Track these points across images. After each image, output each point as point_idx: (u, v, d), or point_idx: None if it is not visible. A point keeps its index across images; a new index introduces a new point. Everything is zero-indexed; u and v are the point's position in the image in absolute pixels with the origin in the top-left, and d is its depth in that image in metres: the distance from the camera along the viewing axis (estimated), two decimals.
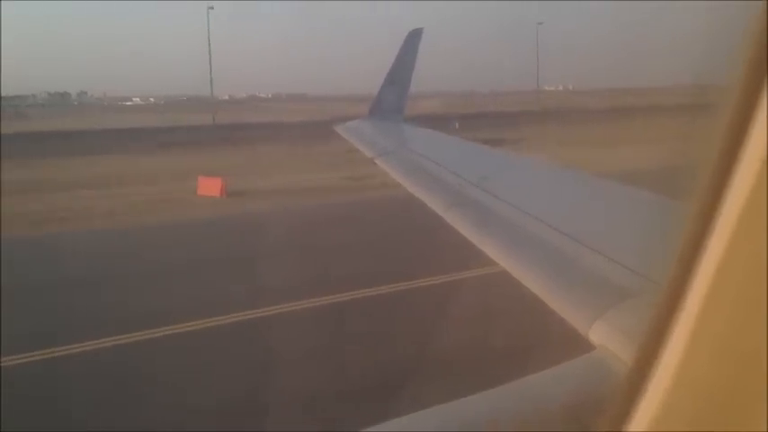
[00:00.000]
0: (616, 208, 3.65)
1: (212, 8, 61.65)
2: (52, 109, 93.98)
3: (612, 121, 44.37)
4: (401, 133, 8.23)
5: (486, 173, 4.69)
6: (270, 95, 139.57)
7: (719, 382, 0.75)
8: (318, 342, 8.36)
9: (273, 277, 10.57)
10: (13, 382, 7.43)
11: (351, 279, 10.65)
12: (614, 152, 24.76)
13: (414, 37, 9.21)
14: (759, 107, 0.70)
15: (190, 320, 9.15)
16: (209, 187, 20.44)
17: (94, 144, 36.39)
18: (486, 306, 8.76)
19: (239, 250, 13.40)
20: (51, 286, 11.06)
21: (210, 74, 63.37)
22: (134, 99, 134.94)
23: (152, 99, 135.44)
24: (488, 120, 45.02)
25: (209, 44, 62.40)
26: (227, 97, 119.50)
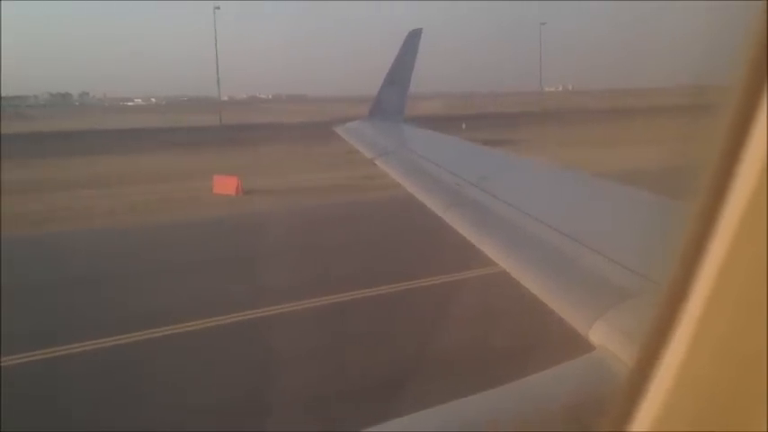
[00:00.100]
0: (615, 208, 3.65)
1: (219, 8, 61.92)
2: (54, 109, 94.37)
3: (615, 121, 44.61)
4: (401, 134, 8.23)
5: (485, 173, 4.69)
6: (270, 96, 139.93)
7: (721, 383, 0.75)
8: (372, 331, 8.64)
9: (307, 272, 11.15)
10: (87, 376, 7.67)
11: (387, 274, 10.96)
12: (620, 153, 24.91)
13: (413, 37, 9.21)
14: (760, 107, 0.69)
15: (242, 310, 9.44)
16: (225, 186, 20.76)
17: (104, 144, 36.77)
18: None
19: (268, 247, 13.64)
20: (96, 280, 11.53)
21: (218, 74, 63.69)
22: (135, 100, 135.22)
23: (153, 99, 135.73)
24: (493, 120, 45.35)
25: (216, 45, 62.73)
26: (227, 98, 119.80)
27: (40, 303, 10.27)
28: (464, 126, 36.95)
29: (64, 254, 13.57)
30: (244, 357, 8.19)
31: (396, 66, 9.04)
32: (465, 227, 3.56)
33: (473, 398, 1.68)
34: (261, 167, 25.46)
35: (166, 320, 9.08)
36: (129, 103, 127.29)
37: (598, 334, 1.97)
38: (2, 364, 7.78)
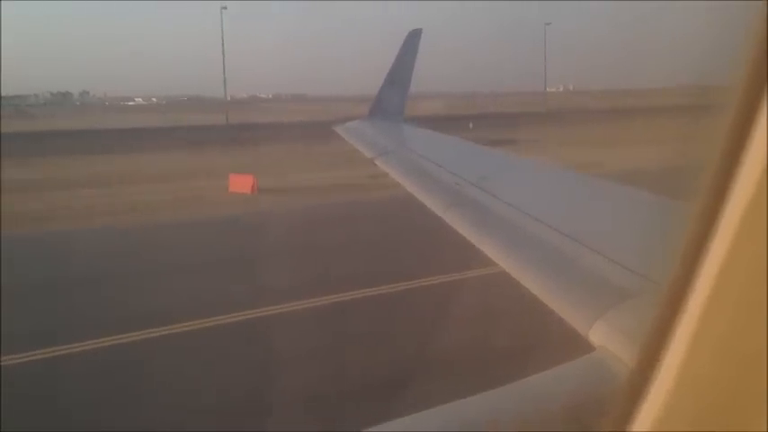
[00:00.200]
0: (615, 208, 3.65)
1: (225, 8, 62.02)
2: (55, 108, 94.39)
3: (619, 121, 44.82)
4: (401, 133, 8.23)
5: (485, 173, 4.69)
6: (270, 96, 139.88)
7: (722, 383, 0.75)
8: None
9: (337, 266, 11.69)
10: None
11: (411, 268, 11.25)
12: (627, 152, 24.98)
13: (413, 37, 9.21)
14: (761, 107, 0.69)
15: (286, 302, 9.76)
16: (241, 184, 20.93)
17: (114, 143, 36.93)
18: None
19: (295, 244, 13.97)
20: (141, 272, 11.97)
21: (224, 74, 63.78)
22: (136, 99, 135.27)
23: (154, 99, 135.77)
24: (498, 120, 45.42)
25: (223, 44, 62.85)
26: (228, 98, 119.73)
27: (90, 296, 10.65)
28: (471, 125, 37.18)
29: (97, 249, 14.02)
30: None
31: (396, 65, 9.04)
32: (465, 227, 3.56)
33: (473, 398, 1.68)
34: (271, 166, 25.57)
35: (218, 311, 9.41)
36: (130, 103, 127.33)
37: (598, 334, 1.97)
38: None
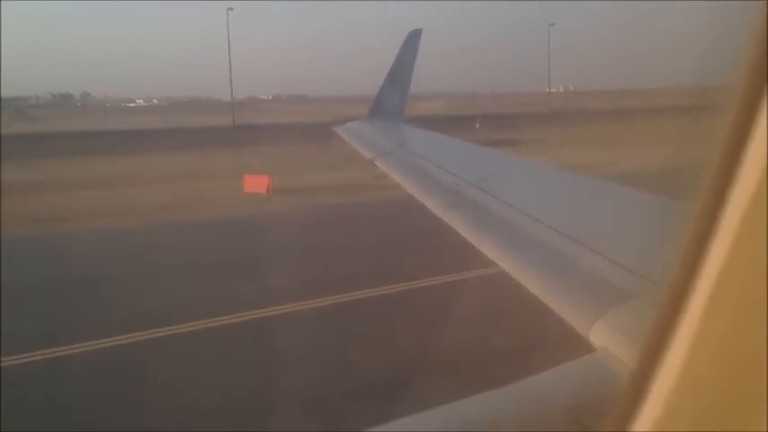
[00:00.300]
0: (615, 209, 3.65)
1: (232, 9, 62.22)
2: (56, 110, 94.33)
3: (621, 122, 45.01)
4: (401, 134, 8.22)
5: (485, 174, 4.69)
6: (270, 97, 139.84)
7: (723, 383, 0.75)
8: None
9: (366, 263, 12.15)
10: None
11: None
12: (633, 152, 25.10)
13: (413, 38, 9.21)
14: (761, 108, 0.69)
15: (326, 295, 10.07)
16: (256, 184, 21.08)
17: (123, 145, 37.03)
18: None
19: (319, 242, 14.25)
20: (177, 269, 12.26)
21: (230, 75, 63.97)
22: (137, 101, 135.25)
23: (155, 101, 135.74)
24: (501, 121, 45.66)
25: (229, 45, 62.98)
26: (228, 99, 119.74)
27: (125, 291, 10.95)
28: (478, 125, 37.26)
29: (124, 247, 14.47)
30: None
31: (396, 66, 9.04)
32: (465, 228, 3.56)
33: (474, 398, 1.68)
34: (282, 167, 25.66)
35: (261, 303, 9.70)
36: (131, 104, 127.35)
37: (598, 335, 1.97)
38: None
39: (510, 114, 54.67)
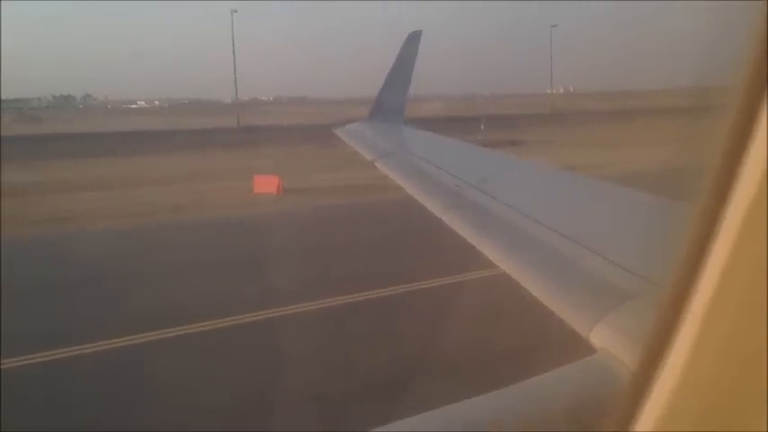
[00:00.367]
0: (615, 210, 3.65)
1: (236, 11, 62.51)
2: (58, 111, 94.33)
3: (625, 123, 45.09)
4: (401, 136, 8.23)
5: (485, 175, 4.68)
6: (271, 98, 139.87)
7: (724, 384, 0.75)
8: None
9: (390, 260, 12.48)
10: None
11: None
12: (637, 153, 25.17)
13: (413, 39, 9.23)
14: (762, 108, 0.69)
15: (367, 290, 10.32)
16: (266, 185, 21.23)
17: (131, 146, 37.16)
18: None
19: (339, 241, 14.44)
20: (203, 267, 12.50)
21: (234, 76, 64.16)
22: (139, 102, 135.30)
23: (156, 102, 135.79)
24: (504, 122, 45.68)
25: (234, 47, 63.19)
26: (230, 101, 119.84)
27: (162, 287, 11.24)
28: (483, 126, 37.39)
29: (149, 246, 14.71)
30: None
31: (396, 68, 9.05)
32: (465, 229, 3.56)
33: (475, 399, 1.68)
34: (288, 167, 25.73)
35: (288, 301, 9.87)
36: (133, 106, 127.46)
37: (599, 336, 1.97)
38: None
39: (512, 116, 54.71)
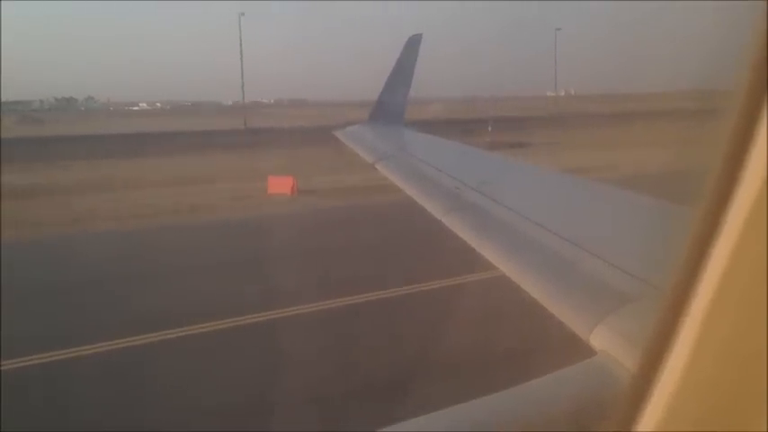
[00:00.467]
0: (615, 212, 3.65)
1: (244, 14, 62.89)
2: (60, 114, 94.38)
3: (627, 125, 45.09)
4: (401, 138, 8.24)
5: (485, 177, 4.68)
6: (272, 101, 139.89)
7: (724, 385, 0.75)
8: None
9: (413, 257, 12.58)
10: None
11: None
12: (643, 155, 25.27)
13: (413, 43, 9.24)
14: (763, 111, 0.69)
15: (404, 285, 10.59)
16: (280, 186, 21.33)
17: (141, 147, 37.08)
18: None
19: (363, 239, 14.71)
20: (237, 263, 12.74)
21: (242, 79, 64.68)
22: (140, 104, 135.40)
23: (158, 104, 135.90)
24: (507, 124, 45.69)
25: (241, 50, 63.57)
26: (231, 103, 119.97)
27: (203, 282, 11.45)
28: (490, 128, 37.58)
29: (174, 243, 15.08)
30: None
31: (396, 70, 9.06)
32: (465, 231, 3.55)
33: (475, 401, 1.68)
34: (298, 168, 25.66)
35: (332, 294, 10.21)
36: (135, 108, 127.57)
37: (599, 338, 1.97)
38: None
39: (516, 118, 54.69)
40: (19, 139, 41.79)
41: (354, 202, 19.47)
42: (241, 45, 64.48)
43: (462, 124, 39.37)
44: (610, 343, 1.90)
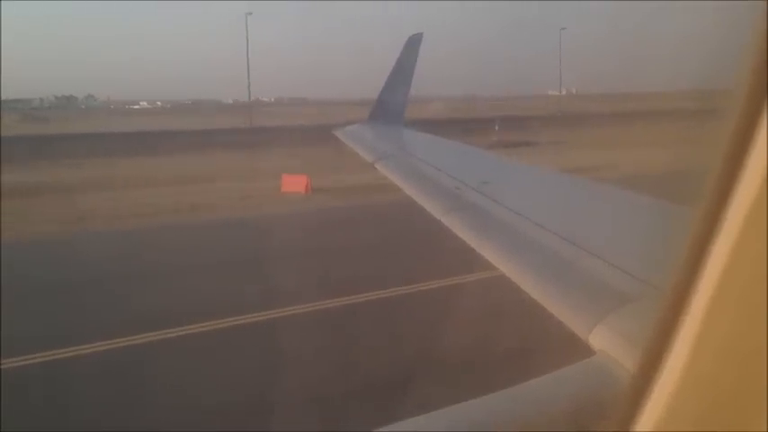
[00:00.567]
0: (615, 212, 3.65)
1: (251, 13, 62.81)
2: (60, 112, 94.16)
3: (630, 125, 45.11)
4: (401, 137, 8.23)
5: (485, 177, 4.68)
6: (272, 100, 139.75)
7: (724, 384, 0.75)
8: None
9: (434, 254, 12.39)
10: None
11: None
12: (648, 154, 25.35)
13: (414, 42, 9.24)
14: (763, 110, 0.69)
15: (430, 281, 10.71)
16: (294, 184, 21.31)
17: (151, 146, 37.01)
18: None
19: (391, 234, 14.86)
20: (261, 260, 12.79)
21: (248, 79, 64.58)
22: (141, 103, 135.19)
23: (159, 103, 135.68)
24: (510, 123, 45.65)
25: (248, 49, 63.71)
26: (231, 101, 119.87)
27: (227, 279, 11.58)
28: (497, 128, 37.72)
29: (197, 242, 15.18)
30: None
31: (396, 70, 9.05)
32: (465, 231, 3.55)
33: (474, 401, 1.68)
34: (309, 166, 25.61)
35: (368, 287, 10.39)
36: (135, 107, 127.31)
37: (598, 338, 1.97)
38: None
39: (519, 117, 54.56)
40: (26, 137, 41.73)
41: (371, 201, 19.38)
42: (248, 44, 64.34)
43: (466, 123, 39.48)
44: (609, 343, 1.90)
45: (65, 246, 14.41)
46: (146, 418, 6.47)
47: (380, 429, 1.61)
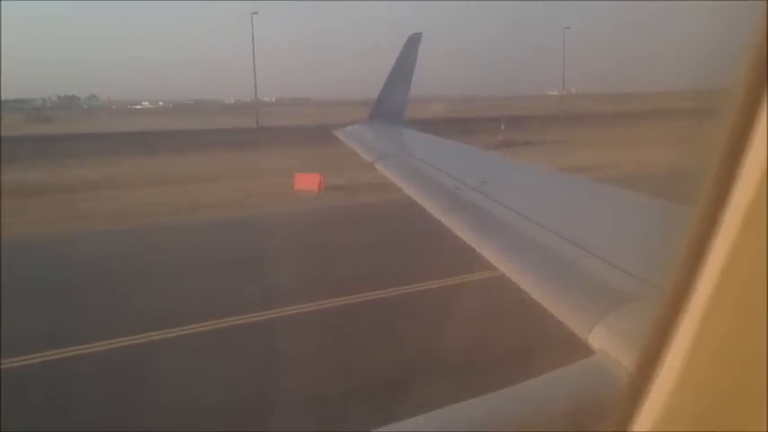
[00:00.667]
0: (615, 212, 3.65)
1: (256, 13, 62.88)
2: (63, 112, 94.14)
3: (631, 124, 45.30)
4: (400, 137, 8.23)
5: (485, 177, 4.68)
6: (274, 100, 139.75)
7: (723, 384, 0.75)
8: None
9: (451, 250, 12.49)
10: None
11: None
12: (651, 153, 25.38)
13: (413, 41, 9.23)
14: (761, 110, 0.69)
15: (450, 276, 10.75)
16: (307, 183, 21.41)
17: (160, 145, 37.10)
18: None
19: (409, 231, 14.75)
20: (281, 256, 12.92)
21: (255, 79, 64.55)
22: (143, 103, 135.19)
23: (161, 103, 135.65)
24: (515, 123, 45.67)
25: (254, 49, 63.59)
26: (233, 101, 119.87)
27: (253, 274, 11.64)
28: (503, 127, 37.88)
29: (218, 239, 15.39)
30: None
31: (396, 70, 9.04)
32: (464, 231, 3.55)
33: (473, 401, 1.68)
34: (319, 165, 25.49)
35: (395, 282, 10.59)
36: (137, 107, 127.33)
37: (598, 338, 1.97)
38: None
39: (520, 117, 54.53)
40: (33, 137, 41.87)
41: (385, 198, 19.24)
42: (253, 44, 64.07)
43: (467, 123, 39.58)
44: (608, 342, 1.90)
45: (121, 239, 14.93)
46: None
47: (380, 429, 1.61)
